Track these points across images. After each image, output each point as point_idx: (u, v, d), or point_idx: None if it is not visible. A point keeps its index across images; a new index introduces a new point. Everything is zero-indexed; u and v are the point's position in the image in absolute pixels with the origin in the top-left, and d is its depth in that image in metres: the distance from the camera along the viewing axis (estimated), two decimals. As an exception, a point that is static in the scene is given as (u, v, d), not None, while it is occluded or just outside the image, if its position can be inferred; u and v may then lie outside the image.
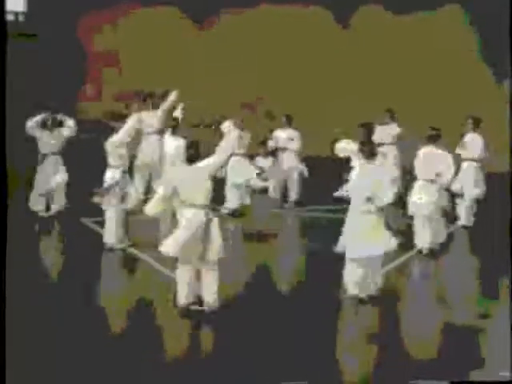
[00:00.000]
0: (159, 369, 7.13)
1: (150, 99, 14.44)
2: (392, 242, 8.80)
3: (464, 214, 12.59)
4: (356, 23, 17.46)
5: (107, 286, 9.72)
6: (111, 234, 11.03)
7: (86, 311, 8.51)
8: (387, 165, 12.43)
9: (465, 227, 12.50)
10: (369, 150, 8.87)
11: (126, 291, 9.51)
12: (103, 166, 12.12)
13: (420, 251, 10.87)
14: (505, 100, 16.11)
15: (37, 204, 12.82)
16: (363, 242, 8.63)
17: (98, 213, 12.22)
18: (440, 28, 16.77)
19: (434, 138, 10.89)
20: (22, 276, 9.19)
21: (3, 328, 6.78)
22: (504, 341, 7.46)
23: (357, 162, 9.21)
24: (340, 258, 8.89)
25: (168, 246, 8.34)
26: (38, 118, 12.73)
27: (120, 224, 11.06)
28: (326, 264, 9.86)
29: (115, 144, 11.12)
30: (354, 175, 9.13)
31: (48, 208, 12.92)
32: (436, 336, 7.95)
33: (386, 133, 13.97)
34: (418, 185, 10.90)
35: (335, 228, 9.21)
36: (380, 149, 10.62)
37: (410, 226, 11.02)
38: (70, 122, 12.90)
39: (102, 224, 11.80)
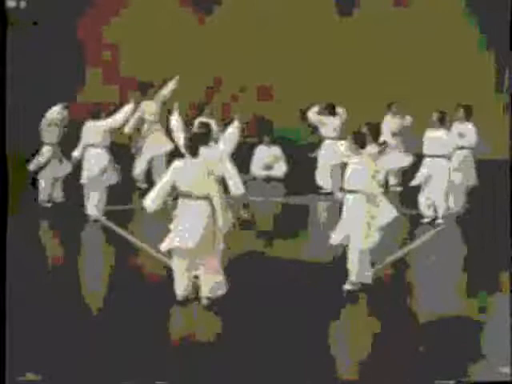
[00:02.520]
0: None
1: (151, 89, 14.52)
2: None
3: (457, 202, 12.64)
4: (357, 12, 17.34)
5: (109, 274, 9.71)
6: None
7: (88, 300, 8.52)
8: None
9: (457, 216, 12.55)
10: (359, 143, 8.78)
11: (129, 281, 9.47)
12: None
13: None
14: (504, 87, 16.07)
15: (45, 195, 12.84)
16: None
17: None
18: (440, 16, 16.66)
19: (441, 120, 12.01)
20: (24, 268, 9.17)
21: (3, 323, 6.74)
22: (504, 335, 7.45)
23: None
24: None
25: (169, 241, 8.32)
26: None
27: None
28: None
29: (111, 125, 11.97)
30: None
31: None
32: (435, 331, 7.89)
33: (392, 123, 13.97)
34: None
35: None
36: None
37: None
38: (55, 108, 12.86)
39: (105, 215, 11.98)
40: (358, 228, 8.68)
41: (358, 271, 8.78)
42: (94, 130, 12.02)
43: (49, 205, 12.86)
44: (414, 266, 10.34)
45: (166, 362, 7.09)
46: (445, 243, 11.25)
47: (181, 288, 8.46)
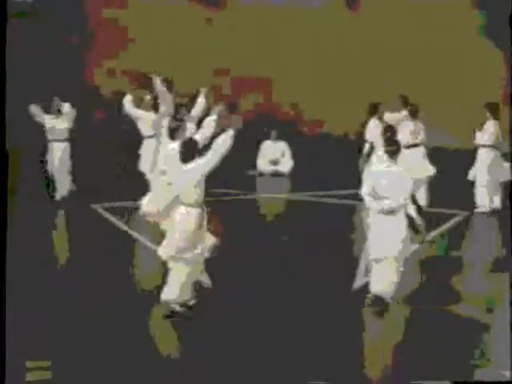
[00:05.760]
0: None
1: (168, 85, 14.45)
2: None
3: (480, 200, 12.62)
4: (364, 6, 17.26)
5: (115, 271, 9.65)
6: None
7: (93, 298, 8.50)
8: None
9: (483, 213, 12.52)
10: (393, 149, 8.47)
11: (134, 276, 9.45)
12: (112, 151, 12.26)
13: None
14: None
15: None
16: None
17: (107, 198, 12.31)
18: (449, 11, 16.57)
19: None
20: (25, 263, 9.16)
21: (3, 318, 6.71)
22: (506, 338, 7.36)
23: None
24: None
25: (165, 249, 8.21)
26: (39, 105, 12.71)
27: None
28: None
29: None
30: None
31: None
32: (437, 333, 7.79)
33: (395, 120, 13.80)
34: None
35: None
36: None
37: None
38: (66, 108, 12.82)
39: (110, 210, 11.92)
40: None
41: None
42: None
43: (58, 198, 12.90)
44: (420, 264, 10.20)
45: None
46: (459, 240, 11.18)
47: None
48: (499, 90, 15.43)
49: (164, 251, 8.21)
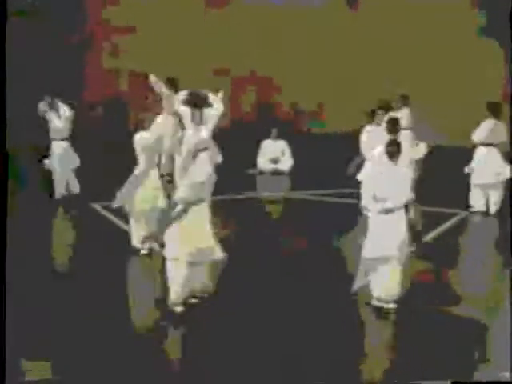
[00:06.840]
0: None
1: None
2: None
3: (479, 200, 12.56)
4: (365, 5, 17.25)
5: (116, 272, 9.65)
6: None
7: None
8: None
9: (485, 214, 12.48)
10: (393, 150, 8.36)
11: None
12: (112, 151, 12.23)
13: None
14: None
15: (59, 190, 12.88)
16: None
17: (108, 197, 12.26)
18: (448, 10, 16.56)
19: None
20: (25, 263, 9.14)
21: (3, 318, 6.71)
22: (505, 338, 7.35)
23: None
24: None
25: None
26: (47, 100, 12.70)
27: None
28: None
29: None
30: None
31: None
32: (437, 334, 7.78)
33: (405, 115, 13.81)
34: None
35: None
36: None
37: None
38: (63, 109, 12.82)
39: (110, 209, 11.92)
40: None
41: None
42: None
43: (58, 198, 12.94)
44: (419, 264, 10.19)
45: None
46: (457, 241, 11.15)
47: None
48: (499, 89, 15.48)
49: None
